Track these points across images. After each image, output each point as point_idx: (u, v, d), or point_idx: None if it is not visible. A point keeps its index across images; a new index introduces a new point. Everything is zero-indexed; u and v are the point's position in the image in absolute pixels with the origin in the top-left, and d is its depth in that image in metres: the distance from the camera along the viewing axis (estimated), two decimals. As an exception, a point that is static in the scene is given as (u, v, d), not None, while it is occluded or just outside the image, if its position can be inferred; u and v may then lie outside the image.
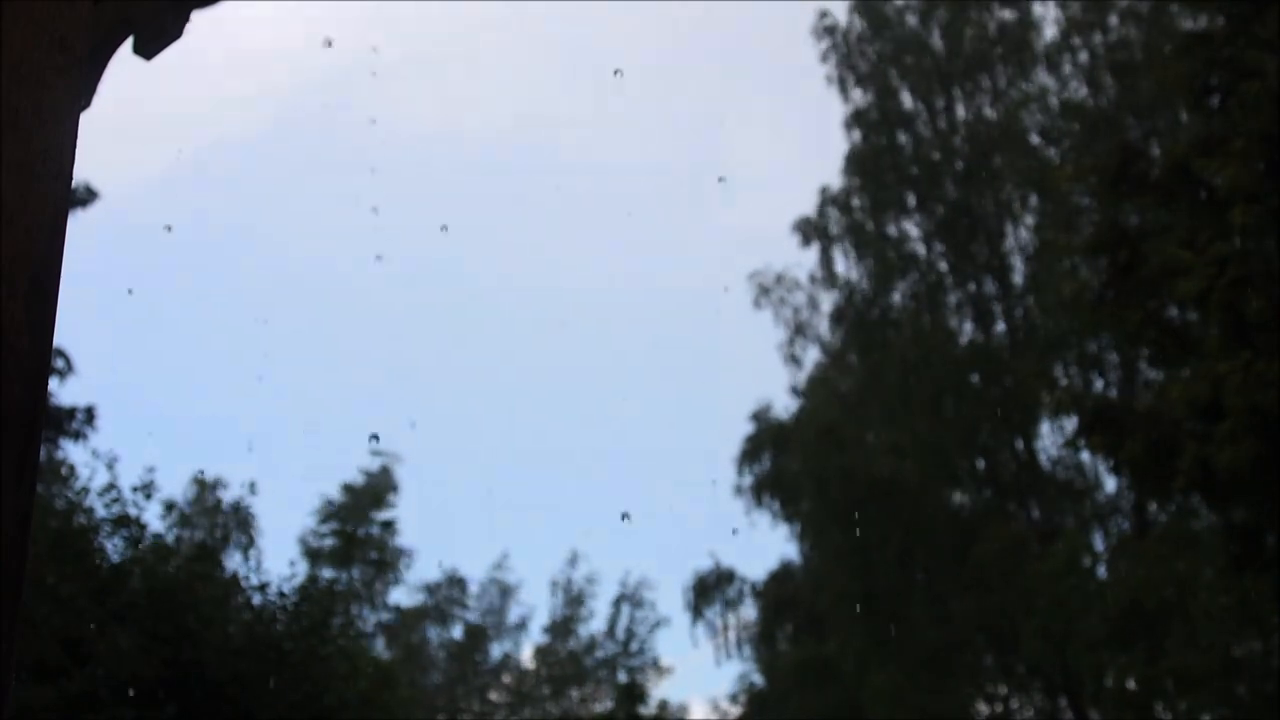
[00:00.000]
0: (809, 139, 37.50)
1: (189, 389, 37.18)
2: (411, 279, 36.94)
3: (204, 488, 25.37)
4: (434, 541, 42.98)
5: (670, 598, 45.71)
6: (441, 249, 39.87)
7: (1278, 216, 14.04)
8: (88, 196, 20.28)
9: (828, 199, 27.75)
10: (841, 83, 27.87)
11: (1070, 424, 22.90)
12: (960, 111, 27.75)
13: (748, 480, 28.07)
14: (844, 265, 27.68)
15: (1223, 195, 14.38)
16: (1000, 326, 27.43)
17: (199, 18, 2.79)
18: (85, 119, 2.41)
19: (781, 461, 27.82)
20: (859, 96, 27.87)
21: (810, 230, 27.74)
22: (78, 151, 2.34)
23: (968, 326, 27.54)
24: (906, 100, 27.88)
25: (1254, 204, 13.95)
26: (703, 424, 43.18)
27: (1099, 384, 26.02)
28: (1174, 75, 16.26)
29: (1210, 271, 14.05)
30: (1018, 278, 27.39)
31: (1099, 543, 25.69)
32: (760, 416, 28.63)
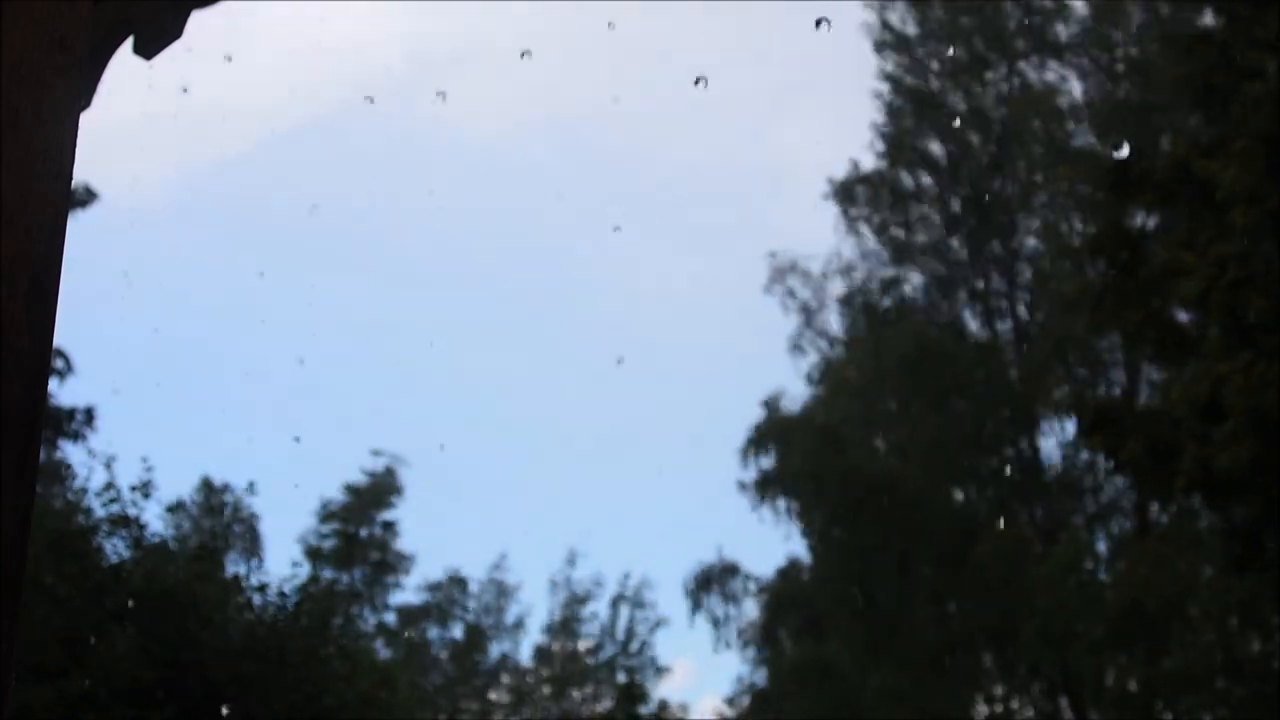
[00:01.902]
0: (854, 137, 37.16)
1: (190, 389, 37.19)
2: (412, 279, 36.99)
3: (209, 489, 25.41)
4: (434, 541, 43.03)
5: (675, 599, 45.67)
6: (442, 248, 39.86)
7: (1278, 218, 14.03)
8: (87, 197, 20.29)
9: (850, 180, 27.47)
10: (879, 47, 27.36)
11: (1073, 424, 22.93)
12: (983, 101, 27.46)
13: (751, 474, 27.81)
14: (860, 248, 27.51)
15: (1224, 196, 14.37)
16: (1007, 324, 27.36)
17: (201, 16, 2.78)
18: (84, 119, 2.41)
19: (785, 458, 27.53)
20: (892, 64, 27.42)
21: (839, 193, 27.35)
22: (77, 151, 2.33)
23: (974, 323, 27.46)
24: (935, 84, 27.61)
25: (1255, 205, 13.94)
26: (712, 422, 43.13)
27: (1102, 384, 25.97)
28: (1175, 74, 16.27)
29: (1211, 272, 14.05)
30: (1026, 275, 27.28)
31: (1100, 543, 25.68)
32: (771, 404, 28.18)
